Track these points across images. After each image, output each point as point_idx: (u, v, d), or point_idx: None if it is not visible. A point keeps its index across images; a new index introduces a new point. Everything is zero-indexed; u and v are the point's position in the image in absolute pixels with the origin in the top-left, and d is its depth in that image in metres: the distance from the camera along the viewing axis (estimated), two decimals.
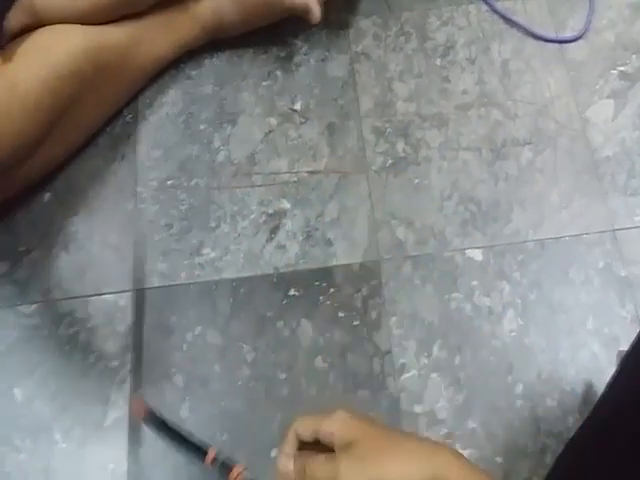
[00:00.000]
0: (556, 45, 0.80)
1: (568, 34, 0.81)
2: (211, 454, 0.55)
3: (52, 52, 0.64)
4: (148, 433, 0.60)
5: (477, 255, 0.68)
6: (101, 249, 0.69)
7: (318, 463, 0.41)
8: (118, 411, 0.61)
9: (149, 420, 0.58)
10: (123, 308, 0.66)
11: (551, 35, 0.81)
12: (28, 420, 0.61)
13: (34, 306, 0.66)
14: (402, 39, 0.82)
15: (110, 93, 0.73)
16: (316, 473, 0.41)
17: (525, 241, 0.68)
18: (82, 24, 0.68)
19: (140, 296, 0.66)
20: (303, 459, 0.43)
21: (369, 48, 0.81)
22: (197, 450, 0.56)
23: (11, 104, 0.61)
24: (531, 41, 0.81)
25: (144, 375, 0.63)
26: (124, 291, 0.67)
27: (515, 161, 0.73)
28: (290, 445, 0.45)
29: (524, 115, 0.75)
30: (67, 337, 0.65)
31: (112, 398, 0.62)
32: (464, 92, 0.78)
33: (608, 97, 0.76)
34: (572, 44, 0.80)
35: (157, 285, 0.67)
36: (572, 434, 0.50)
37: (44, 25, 0.67)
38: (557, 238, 0.68)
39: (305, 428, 0.45)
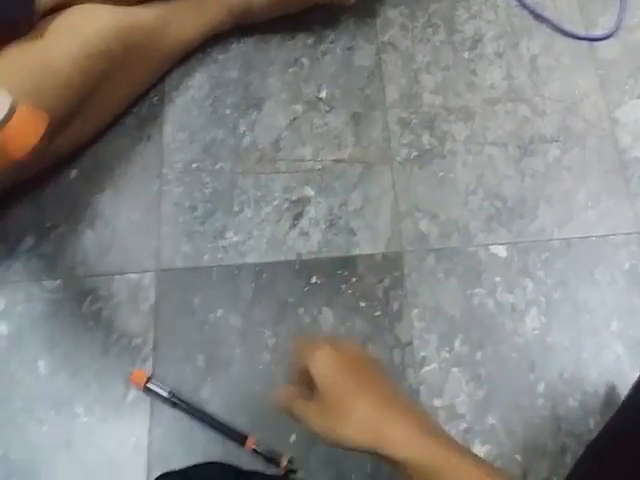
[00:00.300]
0: (586, 43, 0.76)
1: (599, 32, 0.77)
2: (251, 441, 0.56)
3: (82, 31, 0.62)
4: (169, 410, 0.58)
5: (501, 251, 0.64)
6: (126, 228, 0.66)
7: (297, 403, 0.43)
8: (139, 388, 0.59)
9: (149, 390, 0.58)
10: (146, 287, 0.63)
11: (581, 32, 0.77)
12: (51, 393, 0.59)
13: (58, 281, 0.64)
14: (429, 30, 0.78)
15: (138, 73, 0.70)
16: (294, 410, 0.43)
17: (550, 239, 0.65)
18: (111, 4, 0.65)
19: (164, 276, 0.64)
20: (289, 395, 0.44)
21: (396, 38, 0.77)
22: (205, 418, 0.57)
23: (43, 81, 0.58)
24: (560, 38, 0.77)
25: (166, 354, 0.61)
26: (148, 271, 0.64)
27: (542, 158, 0.69)
28: (292, 377, 0.45)
29: (552, 112, 0.72)
30: (90, 314, 0.63)
31: None
32: (491, 86, 0.74)
33: (638, 97, 0.72)
34: (602, 42, 0.76)
35: (181, 266, 0.64)
36: (593, 436, 0.47)
37: (75, 4, 0.63)
38: (583, 238, 0.65)
39: (298, 366, 0.44)
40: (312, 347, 0.42)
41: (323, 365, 0.41)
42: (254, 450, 0.56)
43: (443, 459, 0.37)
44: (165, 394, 0.58)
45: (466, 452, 0.39)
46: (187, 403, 0.58)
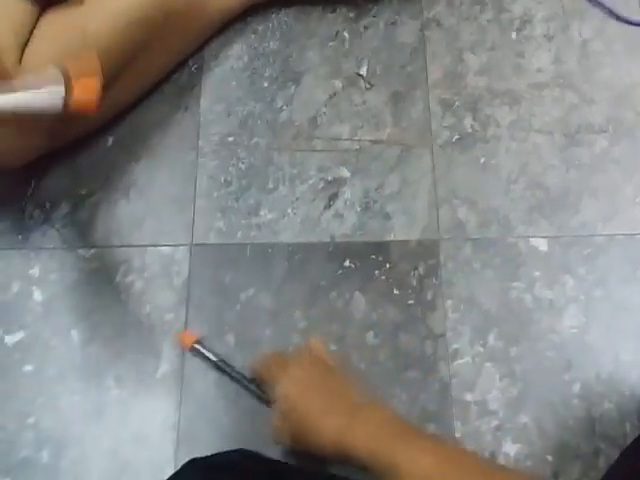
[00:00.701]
0: None
1: None
2: None
3: None
4: (199, 387, 0.55)
5: (542, 245, 0.59)
6: (161, 199, 0.62)
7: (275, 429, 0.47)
8: (170, 364, 0.56)
9: (195, 351, 0.56)
10: (180, 261, 0.60)
11: (636, 18, 0.68)
12: (83, 362, 0.57)
13: (93, 251, 0.60)
14: (477, 8, 0.70)
15: (177, 42, 0.65)
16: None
17: (593, 234, 0.59)
18: None
19: (197, 251, 0.60)
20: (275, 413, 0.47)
21: (441, 15, 0.70)
22: (245, 382, 0.55)
23: (82, 47, 0.53)
24: (614, 23, 0.69)
25: (197, 330, 0.57)
26: (181, 244, 0.60)
27: (589, 149, 0.63)
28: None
29: (601, 100, 0.65)
30: (123, 285, 0.59)
31: (165, 350, 0.56)
32: (539, 70, 0.67)
33: None
34: None
35: (214, 242, 0.60)
36: (628, 440, 0.43)
37: None
38: (628, 235, 0.59)
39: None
40: (279, 370, 0.47)
41: (287, 390, 0.45)
42: None
43: (393, 457, 0.38)
44: (213, 357, 0.55)
45: (438, 450, 0.39)
46: (232, 367, 0.54)
